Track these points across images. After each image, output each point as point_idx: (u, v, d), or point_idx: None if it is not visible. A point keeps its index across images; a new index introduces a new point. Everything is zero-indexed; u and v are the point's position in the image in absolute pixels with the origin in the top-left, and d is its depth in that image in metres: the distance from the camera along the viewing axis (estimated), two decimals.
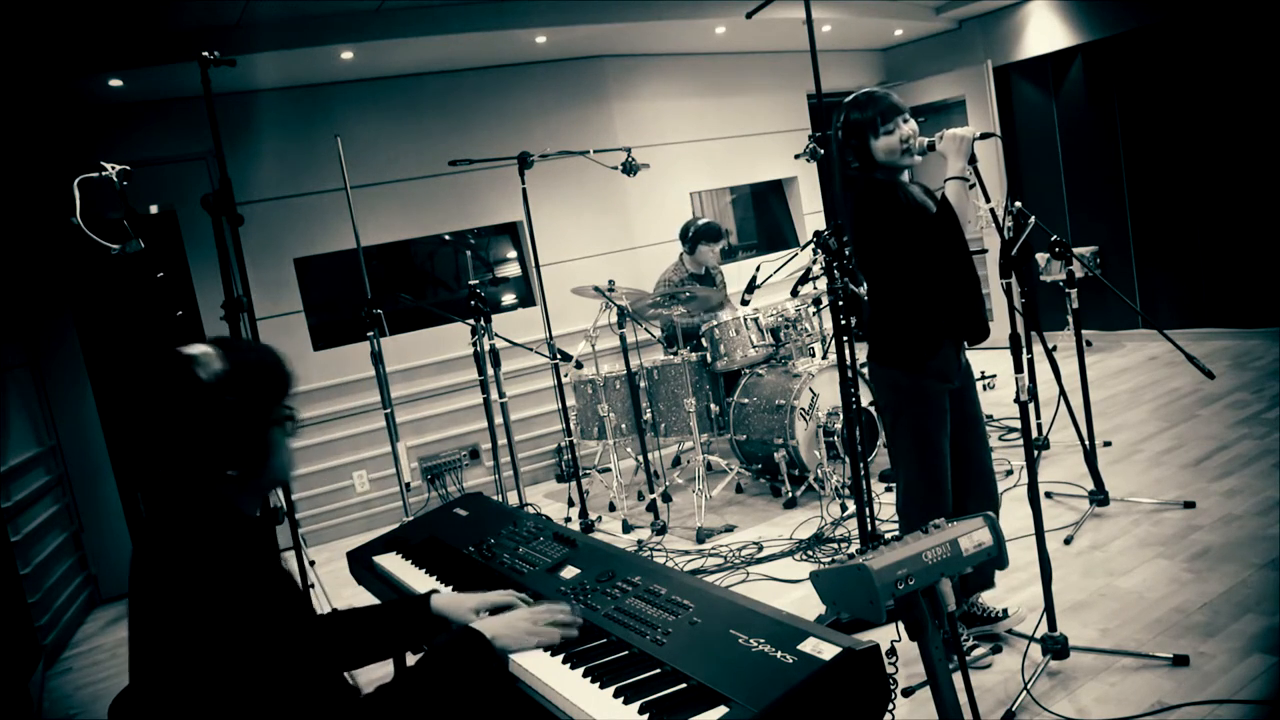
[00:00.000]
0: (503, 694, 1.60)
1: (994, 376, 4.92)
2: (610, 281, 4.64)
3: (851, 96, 2.70)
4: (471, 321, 4.49)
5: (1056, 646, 2.55)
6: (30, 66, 4.12)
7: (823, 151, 3.27)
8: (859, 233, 2.75)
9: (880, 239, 2.68)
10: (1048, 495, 3.91)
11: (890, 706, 1.36)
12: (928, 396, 2.66)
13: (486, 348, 4.52)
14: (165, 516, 1.39)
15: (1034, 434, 3.75)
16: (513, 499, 4.67)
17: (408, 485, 4.84)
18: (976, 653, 2.74)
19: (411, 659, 1.72)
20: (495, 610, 1.78)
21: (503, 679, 1.60)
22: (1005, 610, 2.82)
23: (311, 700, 1.35)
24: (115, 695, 1.43)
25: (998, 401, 5.30)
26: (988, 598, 2.89)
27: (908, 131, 2.61)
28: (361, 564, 2.45)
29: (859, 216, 2.71)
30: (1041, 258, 6.31)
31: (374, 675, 3.01)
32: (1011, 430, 5.00)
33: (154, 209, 5.05)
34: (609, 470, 5.20)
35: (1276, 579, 2.85)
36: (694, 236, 5.18)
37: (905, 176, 2.72)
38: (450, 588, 2.07)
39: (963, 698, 1.71)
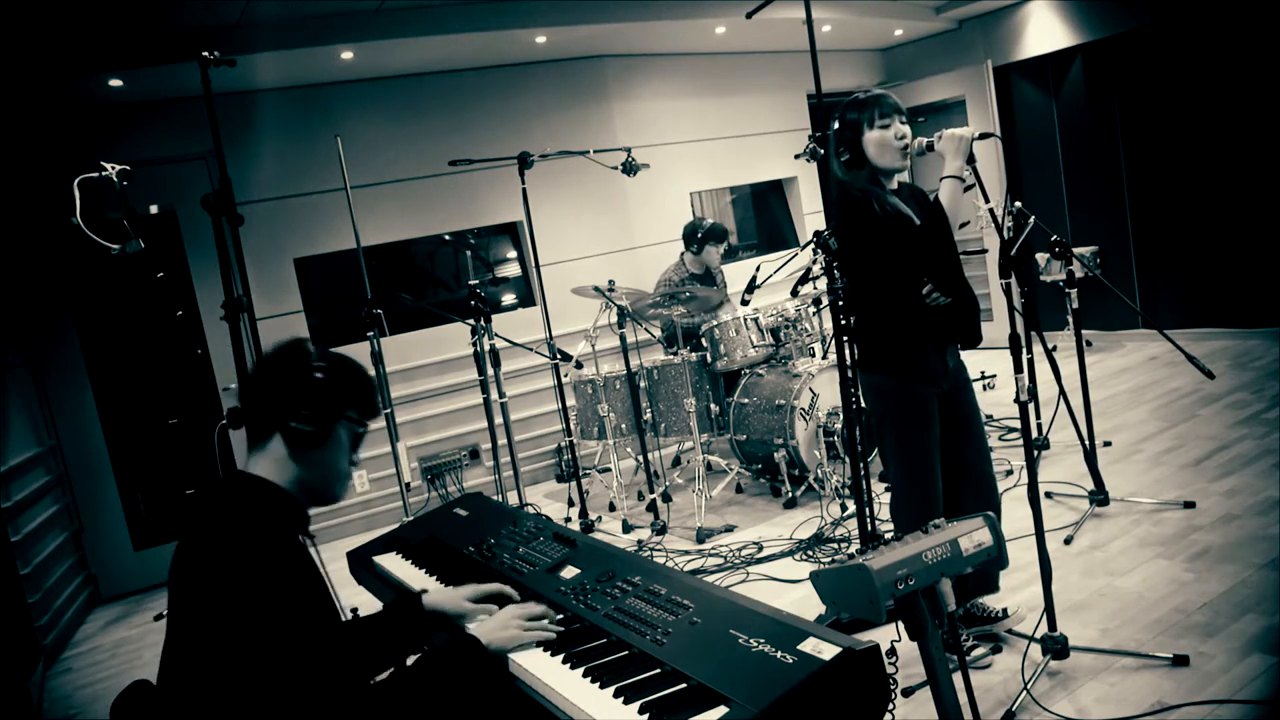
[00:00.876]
0: (503, 694, 1.60)
1: (994, 376, 4.92)
2: (610, 281, 4.64)
3: (853, 95, 2.71)
4: (471, 321, 4.49)
5: (1056, 646, 2.55)
6: (30, 66, 4.12)
7: (823, 151, 3.27)
8: (840, 242, 2.79)
9: (857, 249, 2.71)
10: (1048, 495, 3.91)
11: (890, 706, 1.36)
12: (913, 401, 2.67)
13: (486, 348, 4.52)
14: (218, 491, 1.48)
15: (1034, 434, 3.75)
16: (513, 499, 4.67)
17: (408, 485, 4.84)
18: (976, 653, 2.74)
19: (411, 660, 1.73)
20: (490, 598, 1.83)
21: (503, 679, 1.60)
22: (1005, 610, 2.82)
23: (336, 706, 1.36)
24: (116, 695, 1.43)
25: (998, 401, 5.30)
26: (988, 598, 2.89)
27: (902, 131, 2.61)
28: (361, 564, 2.45)
29: (839, 226, 2.74)
30: (1041, 258, 6.31)
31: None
32: (1011, 430, 5.00)
33: (154, 209, 5.05)
34: (609, 470, 5.20)
35: (1276, 579, 2.85)
36: (703, 237, 5.18)
37: (899, 180, 2.71)
38: (450, 588, 2.06)
39: (963, 698, 1.71)
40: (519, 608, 1.73)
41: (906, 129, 2.63)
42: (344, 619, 1.71)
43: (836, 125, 2.70)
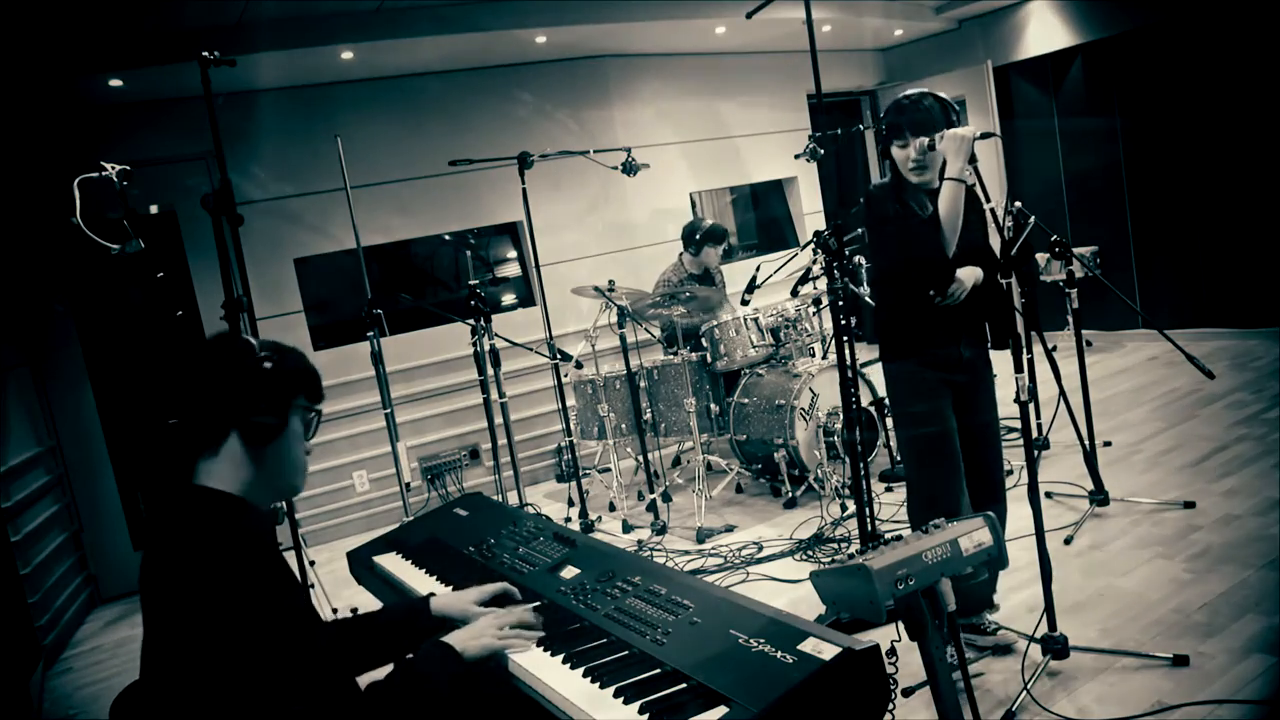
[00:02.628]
0: (503, 694, 1.60)
1: (994, 376, 4.91)
2: (610, 281, 4.64)
3: (900, 98, 2.66)
4: (471, 321, 4.49)
5: (1056, 646, 2.55)
6: (30, 66, 4.12)
7: (823, 151, 3.28)
8: (865, 233, 2.90)
9: (870, 241, 2.81)
10: (1048, 495, 3.91)
11: (890, 706, 1.36)
12: (919, 385, 2.69)
13: (486, 348, 4.52)
14: (174, 510, 1.42)
15: (1034, 434, 3.75)
16: (513, 499, 4.67)
17: (408, 485, 4.83)
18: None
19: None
20: (494, 600, 1.83)
21: (502, 679, 1.60)
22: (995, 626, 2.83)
23: (321, 704, 1.36)
24: (116, 695, 1.43)
25: (998, 401, 5.29)
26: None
27: (919, 150, 2.57)
28: (361, 564, 2.45)
29: (863, 217, 2.79)
30: (1041, 258, 6.30)
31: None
32: (1011, 430, 4.99)
33: (154, 209, 5.05)
34: (609, 470, 5.20)
35: (1276, 579, 2.85)
36: (702, 238, 5.18)
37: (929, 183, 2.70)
38: (450, 588, 2.06)
39: (963, 698, 1.71)
40: (498, 614, 1.72)
41: (925, 142, 2.54)
42: (325, 620, 1.69)
43: (882, 128, 2.71)
